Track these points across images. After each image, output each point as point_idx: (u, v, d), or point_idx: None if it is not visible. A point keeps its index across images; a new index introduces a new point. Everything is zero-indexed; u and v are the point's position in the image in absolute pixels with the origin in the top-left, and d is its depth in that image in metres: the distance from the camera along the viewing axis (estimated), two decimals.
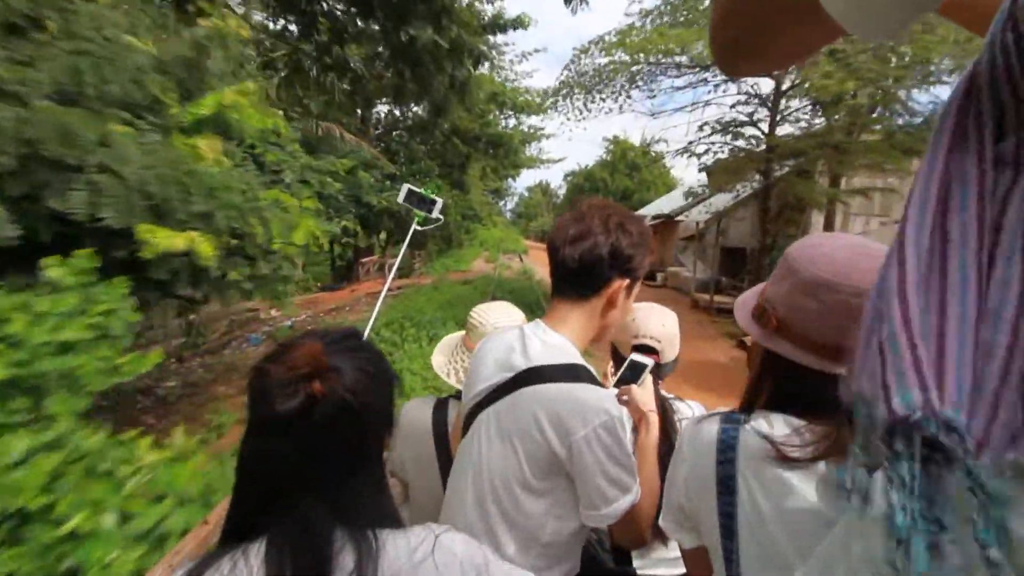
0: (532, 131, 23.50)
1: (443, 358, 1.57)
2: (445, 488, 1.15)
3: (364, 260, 17.22)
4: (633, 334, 1.34)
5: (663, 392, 1.35)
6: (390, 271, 2.74)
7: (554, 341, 1.04)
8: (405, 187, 2.47)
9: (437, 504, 1.17)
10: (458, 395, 1.42)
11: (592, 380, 0.99)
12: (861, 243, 0.74)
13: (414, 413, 1.47)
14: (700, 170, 20.18)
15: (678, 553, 0.99)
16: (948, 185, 0.32)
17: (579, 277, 1.04)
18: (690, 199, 21.62)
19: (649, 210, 26.49)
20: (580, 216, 1.05)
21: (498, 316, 1.49)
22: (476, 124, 20.47)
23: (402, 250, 2.77)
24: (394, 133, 20.66)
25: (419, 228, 2.46)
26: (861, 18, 0.33)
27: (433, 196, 2.44)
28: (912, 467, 0.28)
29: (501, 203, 53.46)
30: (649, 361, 1.20)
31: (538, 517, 0.98)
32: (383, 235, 20.66)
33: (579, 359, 1.03)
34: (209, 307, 13.03)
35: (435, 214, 2.44)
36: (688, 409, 1.37)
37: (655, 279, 20.13)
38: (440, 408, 1.46)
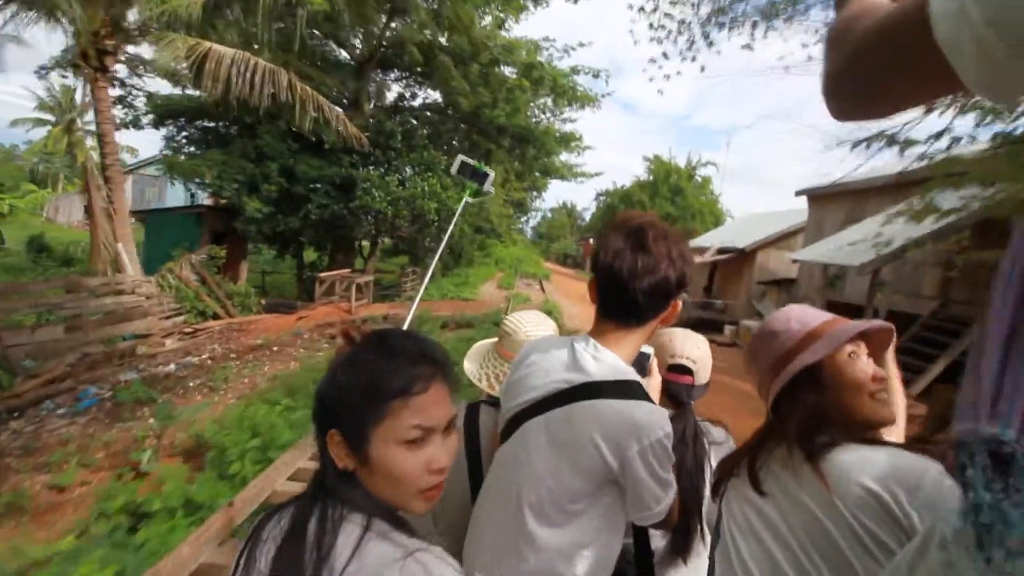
0: (569, 135, 18.74)
1: (474, 365, 1.55)
2: (473, 492, 1.20)
3: (324, 275, 12.48)
4: (670, 355, 1.36)
5: (696, 418, 1.36)
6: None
7: (606, 358, 1.03)
8: (459, 158, 2.62)
9: (463, 508, 1.20)
10: (490, 401, 1.45)
11: (645, 396, 1.00)
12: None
13: None
14: (797, 194, 15.30)
15: (698, 573, 1.18)
16: None
17: (646, 308, 1.04)
18: (777, 230, 16.61)
19: (704, 241, 21.48)
20: (643, 244, 1.01)
21: (533, 325, 1.51)
22: (502, 111, 15.81)
23: (438, 253, 3.24)
24: (398, 116, 16.14)
25: (470, 201, 2.64)
26: (995, 89, 0.35)
27: (486, 169, 2.60)
28: (978, 468, 0.39)
29: (523, 219, 49.01)
30: (650, 349, 1.20)
31: (584, 524, 0.99)
32: (366, 243, 15.96)
33: (633, 375, 1.03)
34: (47, 330, 8.34)
35: (487, 187, 2.62)
36: (720, 433, 1.42)
37: (721, 331, 15.00)
38: (472, 413, 1.44)
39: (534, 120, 17.20)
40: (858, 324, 0.95)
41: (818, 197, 13.62)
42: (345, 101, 15.75)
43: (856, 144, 6.03)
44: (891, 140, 5.57)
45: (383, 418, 0.70)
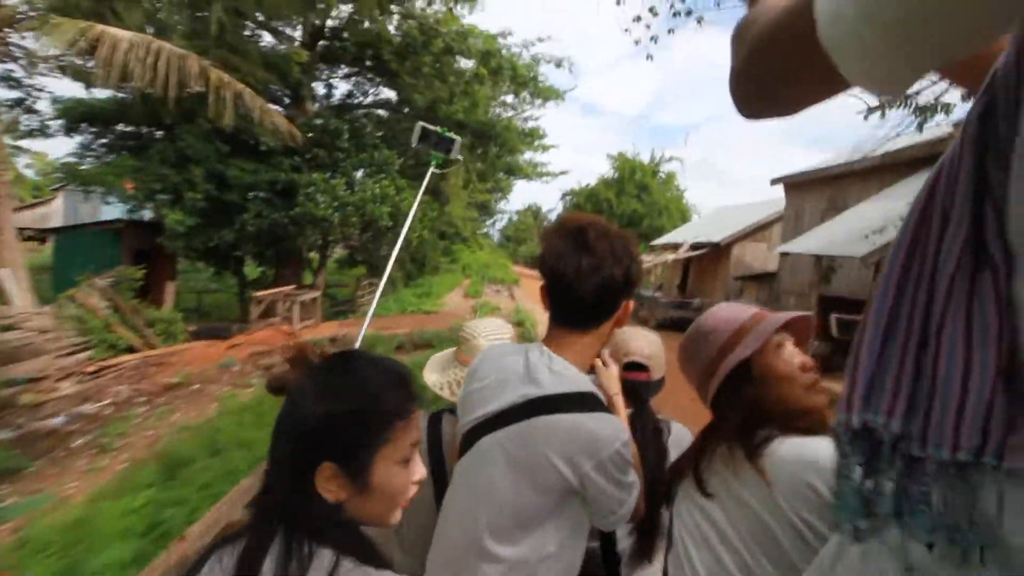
0: (533, 131, 17.70)
1: (436, 375, 1.55)
2: (438, 506, 1.15)
3: (261, 295, 10.99)
4: (624, 353, 1.38)
5: (660, 416, 1.38)
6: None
7: (560, 368, 1.01)
8: (418, 125, 2.43)
9: (428, 523, 1.16)
10: (452, 409, 1.41)
11: (601, 407, 0.99)
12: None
13: None
14: (773, 182, 14.68)
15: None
16: (911, 254, 0.43)
17: (595, 309, 1.03)
18: (752, 223, 15.96)
19: (676, 236, 20.83)
20: (585, 244, 1.00)
21: (492, 330, 1.53)
22: (460, 106, 14.65)
23: (392, 258, 2.58)
24: (347, 115, 14.74)
25: (437, 172, 2.43)
26: (873, 80, 0.37)
27: (451, 135, 2.41)
28: (852, 457, 0.43)
29: (489, 222, 47.69)
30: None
31: (547, 536, 0.98)
32: (312, 253, 14.45)
33: (588, 386, 1.01)
34: None
35: (454, 154, 2.44)
36: (680, 429, 1.39)
37: None
38: (434, 422, 1.41)
39: (495, 116, 16.08)
40: (781, 316, 0.99)
41: (795, 185, 12.98)
42: (287, 100, 14.31)
43: (871, 111, 5.13)
44: (920, 108, 4.67)
45: (386, 441, 0.70)
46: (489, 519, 0.96)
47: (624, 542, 1.24)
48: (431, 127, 2.43)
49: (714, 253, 16.10)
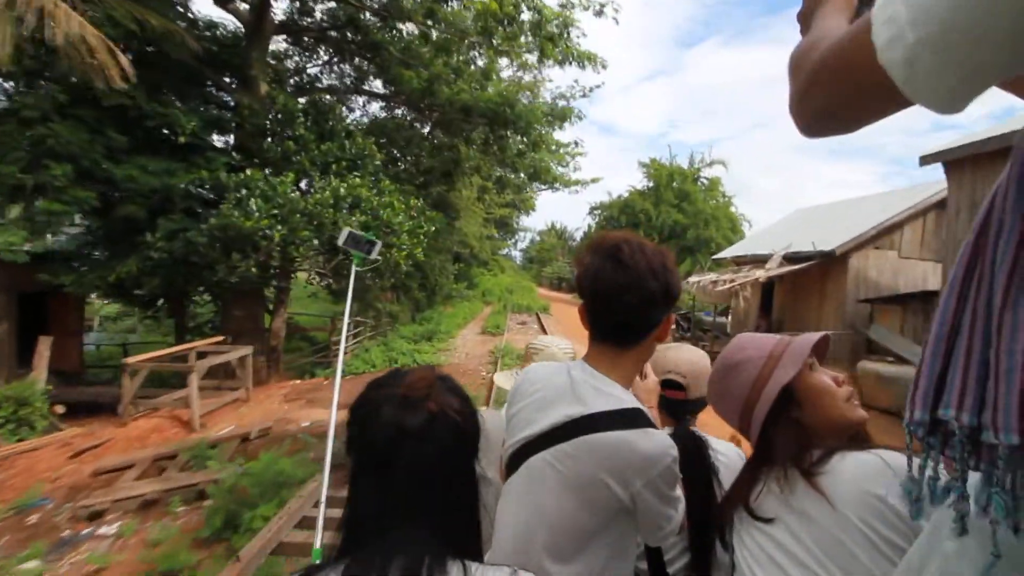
0: (565, 110, 13.73)
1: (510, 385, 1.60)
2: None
3: (136, 360, 6.97)
4: (662, 369, 1.35)
5: (699, 431, 1.33)
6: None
7: (604, 386, 1.01)
8: (346, 230, 2.75)
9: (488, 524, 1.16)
10: None
11: (648, 423, 0.98)
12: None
13: (490, 421, 1.28)
14: (924, 160, 10.41)
15: None
16: (973, 262, 0.46)
17: (635, 326, 1.03)
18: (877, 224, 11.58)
19: (749, 247, 16.54)
20: (621, 261, 0.99)
21: (561, 343, 1.65)
22: (466, 84, 10.88)
23: (345, 317, 2.62)
24: (307, 99, 11.14)
25: (359, 269, 2.58)
26: (933, 99, 0.39)
27: (372, 237, 2.68)
28: (936, 444, 0.46)
29: (511, 241, 43.98)
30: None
31: (597, 553, 0.98)
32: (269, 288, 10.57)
33: (633, 403, 1.01)
34: None
35: (374, 255, 2.69)
36: (727, 448, 1.34)
37: None
38: None
39: (514, 96, 12.25)
40: (809, 337, 0.99)
41: (966, 162, 8.65)
42: (234, 84, 10.80)
43: None
44: None
45: None
46: (545, 539, 0.96)
47: (675, 565, 1.17)
48: (357, 232, 2.71)
49: (822, 266, 11.76)
